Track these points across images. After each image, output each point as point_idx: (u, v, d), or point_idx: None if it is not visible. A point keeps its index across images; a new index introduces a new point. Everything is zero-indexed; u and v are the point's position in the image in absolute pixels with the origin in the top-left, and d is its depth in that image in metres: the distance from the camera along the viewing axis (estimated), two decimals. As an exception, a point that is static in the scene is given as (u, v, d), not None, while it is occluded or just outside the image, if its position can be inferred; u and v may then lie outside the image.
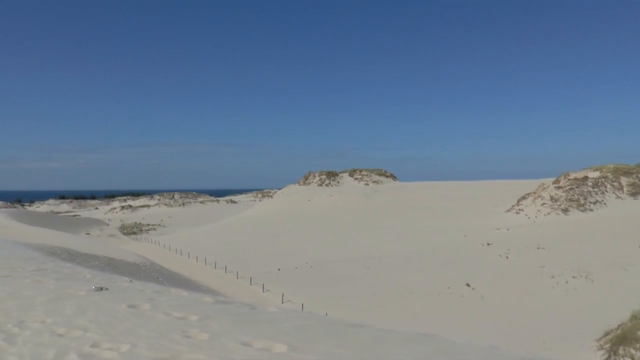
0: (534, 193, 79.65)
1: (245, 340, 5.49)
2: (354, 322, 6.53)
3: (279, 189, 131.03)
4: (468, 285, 38.57)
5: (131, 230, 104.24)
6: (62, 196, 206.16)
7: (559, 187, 76.46)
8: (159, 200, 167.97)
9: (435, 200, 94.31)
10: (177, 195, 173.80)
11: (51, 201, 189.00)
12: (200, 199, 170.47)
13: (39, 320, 6.84)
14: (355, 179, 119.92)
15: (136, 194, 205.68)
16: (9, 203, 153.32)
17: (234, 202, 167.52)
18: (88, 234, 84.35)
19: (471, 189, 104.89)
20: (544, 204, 73.71)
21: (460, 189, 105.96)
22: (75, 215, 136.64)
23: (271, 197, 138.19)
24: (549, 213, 70.53)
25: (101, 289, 9.05)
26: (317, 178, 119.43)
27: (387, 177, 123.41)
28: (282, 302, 36.09)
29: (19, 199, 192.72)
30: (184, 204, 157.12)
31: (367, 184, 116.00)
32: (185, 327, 6.09)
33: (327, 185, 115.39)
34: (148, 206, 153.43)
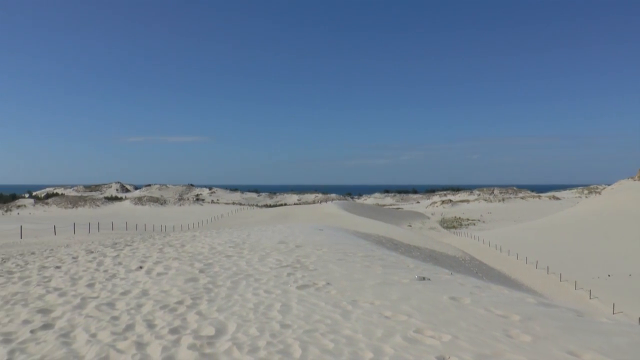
0: None
1: (571, 350, 5.12)
2: None
3: (609, 184, 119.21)
4: None
5: (451, 224, 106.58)
6: (386, 190, 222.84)
7: None
8: (479, 195, 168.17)
9: None
10: (496, 191, 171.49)
11: (377, 195, 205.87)
12: (520, 195, 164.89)
13: (369, 302, 7.50)
14: None
15: (456, 189, 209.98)
16: (341, 196, 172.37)
17: (557, 198, 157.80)
18: (410, 226, 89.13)
19: None
20: None
21: None
22: (398, 208, 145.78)
23: (599, 193, 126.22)
24: None
25: (423, 278, 9.44)
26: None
27: None
28: (613, 313, 32.68)
29: (349, 192, 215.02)
30: (503, 199, 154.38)
31: None
32: (506, 326, 5.96)
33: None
34: (467, 201, 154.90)
